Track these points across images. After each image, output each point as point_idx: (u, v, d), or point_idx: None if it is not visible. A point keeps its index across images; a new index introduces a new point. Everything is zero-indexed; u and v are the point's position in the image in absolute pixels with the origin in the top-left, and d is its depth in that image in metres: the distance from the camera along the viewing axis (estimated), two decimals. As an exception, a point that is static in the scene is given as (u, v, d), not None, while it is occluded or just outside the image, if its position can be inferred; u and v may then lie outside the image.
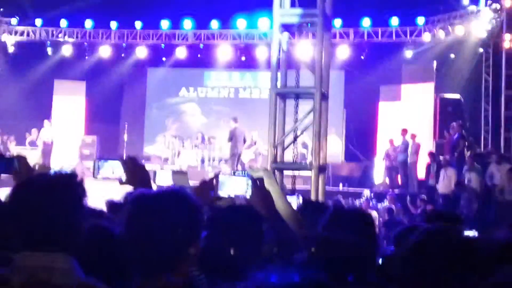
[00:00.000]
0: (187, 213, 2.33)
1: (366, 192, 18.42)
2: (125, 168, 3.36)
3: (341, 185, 19.89)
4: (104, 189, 4.53)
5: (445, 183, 16.41)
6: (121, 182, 3.39)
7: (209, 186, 3.37)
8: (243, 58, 23.22)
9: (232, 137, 18.83)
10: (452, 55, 20.95)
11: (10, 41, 23.22)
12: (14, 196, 2.35)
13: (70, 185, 2.36)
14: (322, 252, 2.69)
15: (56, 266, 2.24)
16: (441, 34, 20.75)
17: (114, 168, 3.44)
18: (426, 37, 21.06)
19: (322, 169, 10.50)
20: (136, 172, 3.36)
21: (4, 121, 22.33)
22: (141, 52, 23.28)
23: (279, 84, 10.75)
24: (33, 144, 21.47)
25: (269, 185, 3.41)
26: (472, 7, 19.81)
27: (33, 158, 20.36)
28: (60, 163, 21.22)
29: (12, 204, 2.33)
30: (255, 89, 24.35)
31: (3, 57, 23.07)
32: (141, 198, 2.39)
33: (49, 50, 23.29)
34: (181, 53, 23.10)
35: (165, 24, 22.82)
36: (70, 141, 22.49)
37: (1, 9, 22.82)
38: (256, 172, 3.49)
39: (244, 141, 19.16)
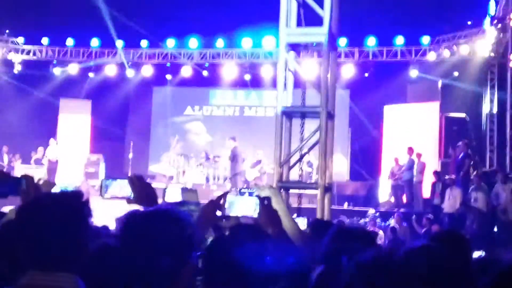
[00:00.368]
0: (177, 232, 2.34)
1: (371, 211, 18.37)
2: (133, 186, 3.37)
3: (346, 204, 19.86)
4: (110, 207, 4.54)
5: (450, 202, 16.36)
6: (128, 201, 3.40)
7: (216, 205, 3.36)
8: (248, 77, 23.29)
9: (234, 156, 18.99)
10: (457, 74, 20.96)
11: (17, 59, 23.32)
12: (20, 216, 2.35)
13: (76, 204, 2.36)
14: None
15: (61, 285, 2.24)
16: (446, 53, 20.79)
17: (122, 187, 3.44)
18: (431, 56, 21.10)
19: (328, 188, 10.49)
20: (143, 190, 3.36)
21: (10, 139, 22.38)
22: (147, 71, 23.38)
23: (285, 103, 10.77)
24: (38, 162, 21.53)
25: (275, 203, 3.41)
26: (477, 27, 19.87)
27: (39, 176, 20.40)
28: (65, 181, 21.28)
29: (18, 224, 2.33)
30: (260, 108, 24.39)
31: (10, 76, 23.14)
32: (131, 216, 2.42)
33: (55, 69, 23.38)
34: (186, 72, 23.19)
35: (170, 43, 22.92)
36: (75, 160, 22.52)
37: (7, 31, 22.91)
38: (262, 190, 3.49)
39: (243, 160, 19.14)
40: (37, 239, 2.25)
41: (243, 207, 3.35)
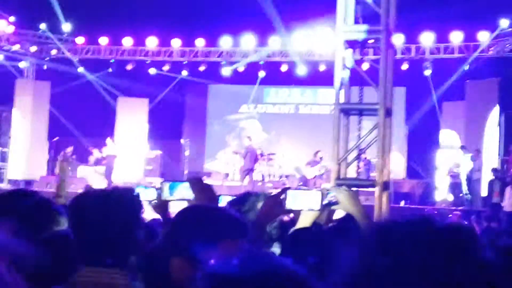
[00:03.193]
0: (123, 211, 2.35)
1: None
2: (194, 188, 3.43)
3: (402, 202, 19.67)
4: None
5: (511, 201, 16.06)
6: (189, 203, 3.46)
7: (277, 200, 3.40)
8: (302, 74, 23.24)
9: (246, 154, 19.68)
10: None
11: (76, 59, 23.82)
12: (72, 212, 2.35)
13: (129, 199, 2.34)
14: None
15: (115, 282, 2.21)
16: (505, 49, 20.39)
17: (186, 189, 3.51)
18: (490, 52, 20.72)
19: (386, 185, 10.42)
20: (203, 192, 3.42)
21: (68, 138, 22.89)
22: (202, 69, 23.58)
23: (342, 100, 10.73)
24: (98, 162, 21.90)
25: (352, 205, 3.43)
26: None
27: (98, 176, 20.87)
28: (124, 179, 21.65)
29: (70, 220, 2.34)
30: (315, 105, 24.34)
31: (69, 75, 23.59)
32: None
33: (113, 68, 23.77)
34: (241, 69, 23.31)
35: (225, 41, 23.04)
36: (133, 158, 22.84)
37: (68, 29, 23.39)
38: (339, 192, 3.51)
39: (256, 159, 20.00)
40: (90, 234, 2.25)
41: (306, 201, 3.38)
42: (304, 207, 3.39)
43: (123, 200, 2.32)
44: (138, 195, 2.39)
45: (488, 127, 20.52)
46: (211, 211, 2.55)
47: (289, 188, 3.52)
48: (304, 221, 3.44)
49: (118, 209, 2.28)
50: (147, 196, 3.67)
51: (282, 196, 3.38)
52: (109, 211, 2.26)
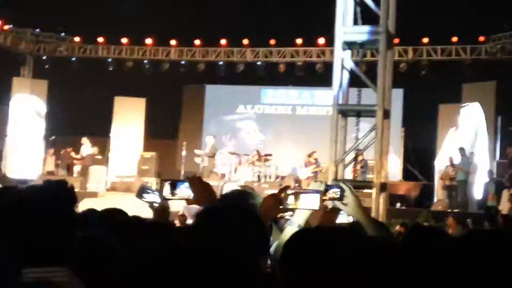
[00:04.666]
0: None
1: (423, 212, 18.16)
2: (192, 187, 3.44)
3: (398, 204, 19.69)
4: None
5: (508, 204, 16.08)
6: (188, 202, 3.46)
7: (277, 199, 3.41)
8: (300, 75, 23.29)
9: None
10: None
11: (73, 57, 23.83)
12: (2, 210, 2.18)
13: (61, 192, 2.25)
14: None
15: (56, 280, 2.07)
16: (502, 52, 20.44)
17: (187, 188, 3.52)
18: (487, 55, 20.76)
19: (383, 187, 10.44)
20: (203, 191, 3.43)
21: (65, 136, 22.88)
22: (200, 69, 23.60)
23: (340, 102, 10.74)
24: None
25: (361, 210, 3.46)
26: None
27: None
28: (118, 177, 21.67)
29: (2, 220, 2.16)
30: (313, 107, 24.33)
31: (66, 74, 23.58)
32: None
33: (110, 67, 23.76)
34: (239, 70, 23.33)
35: (224, 41, 23.09)
36: (129, 157, 22.84)
37: (65, 28, 23.41)
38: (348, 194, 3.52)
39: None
40: (23, 232, 2.10)
41: (305, 201, 3.40)
42: (304, 206, 3.40)
43: (55, 193, 2.22)
44: (71, 187, 2.31)
45: (484, 130, 20.56)
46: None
47: (288, 187, 3.54)
48: (299, 217, 3.43)
49: (51, 203, 2.17)
50: (151, 198, 3.70)
51: (282, 195, 3.40)
52: (43, 205, 2.15)
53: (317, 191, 3.43)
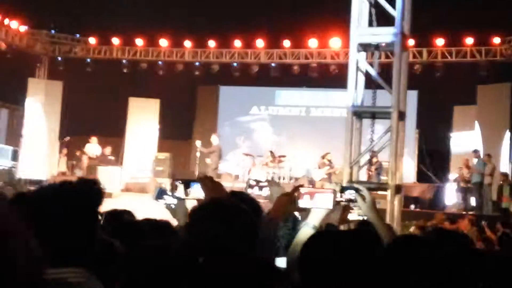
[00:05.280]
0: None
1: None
2: (204, 188, 3.46)
3: (412, 206, 19.62)
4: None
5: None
6: (199, 202, 3.48)
7: (290, 198, 3.44)
8: (314, 77, 23.27)
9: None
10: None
11: (88, 59, 23.95)
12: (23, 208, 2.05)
13: (87, 193, 2.16)
14: None
15: (73, 281, 2.03)
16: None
17: (196, 189, 3.56)
18: (502, 57, 20.66)
19: (398, 189, 10.40)
20: (214, 191, 3.45)
21: (79, 137, 22.96)
22: (214, 70, 23.65)
23: (355, 103, 10.71)
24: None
25: (375, 211, 3.52)
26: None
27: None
28: (133, 178, 21.74)
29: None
30: (327, 108, 24.30)
31: (81, 75, 23.68)
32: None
33: (125, 68, 23.85)
34: (253, 71, 23.35)
35: (238, 43, 23.13)
36: (143, 158, 22.92)
37: (81, 30, 23.55)
38: (364, 196, 3.55)
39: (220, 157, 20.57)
40: (44, 233, 1.93)
41: (319, 200, 3.40)
42: (317, 205, 3.41)
43: (81, 192, 2.15)
44: (99, 187, 2.21)
45: (500, 131, 20.46)
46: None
47: (302, 185, 3.55)
48: (315, 218, 3.44)
49: (75, 203, 2.10)
50: (168, 201, 3.73)
51: (296, 194, 3.41)
52: (66, 205, 2.08)
53: (331, 191, 3.44)
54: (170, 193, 3.83)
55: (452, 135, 22.00)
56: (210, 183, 3.49)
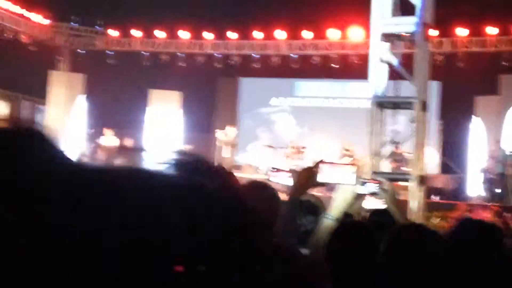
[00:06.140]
0: None
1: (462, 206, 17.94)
2: (296, 179, 3.47)
3: (436, 197, 19.48)
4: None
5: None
6: (288, 193, 3.48)
7: (311, 172, 3.41)
8: (334, 68, 23.17)
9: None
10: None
11: (109, 51, 24.04)
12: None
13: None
14: None
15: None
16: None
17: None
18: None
19: (422, 180, 10.34)
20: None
21: (99, 129, 23.05)
22: (234, 62, 23.63)
23: (377, 94, 10.65)
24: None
25: (396, 203, 3.49)
26: None
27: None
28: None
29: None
30: (346, 99, 24.19)
31: (102, 67, 23.76)
32: None
33: (145, 61, 23.90)
34: (273, 62, 23.30)
35: (258, 34, 23.09)
36: (165, 150, 22.93)
37: (102, 22, 23.64)
38: (388, 189, 3.53)
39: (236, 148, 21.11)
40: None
41: (339, 175, 3.37)
42: (338, 180, 3.38)
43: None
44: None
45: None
46: None
47: (322, 161, 3.51)
48: (336, 210, 3.42)
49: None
50: None
51: (316, 169, 3.38)
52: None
53: (353, 166, 3.42)
54: None
55: (475, 126, 21.79)
56: (304, 174, 3.48)
